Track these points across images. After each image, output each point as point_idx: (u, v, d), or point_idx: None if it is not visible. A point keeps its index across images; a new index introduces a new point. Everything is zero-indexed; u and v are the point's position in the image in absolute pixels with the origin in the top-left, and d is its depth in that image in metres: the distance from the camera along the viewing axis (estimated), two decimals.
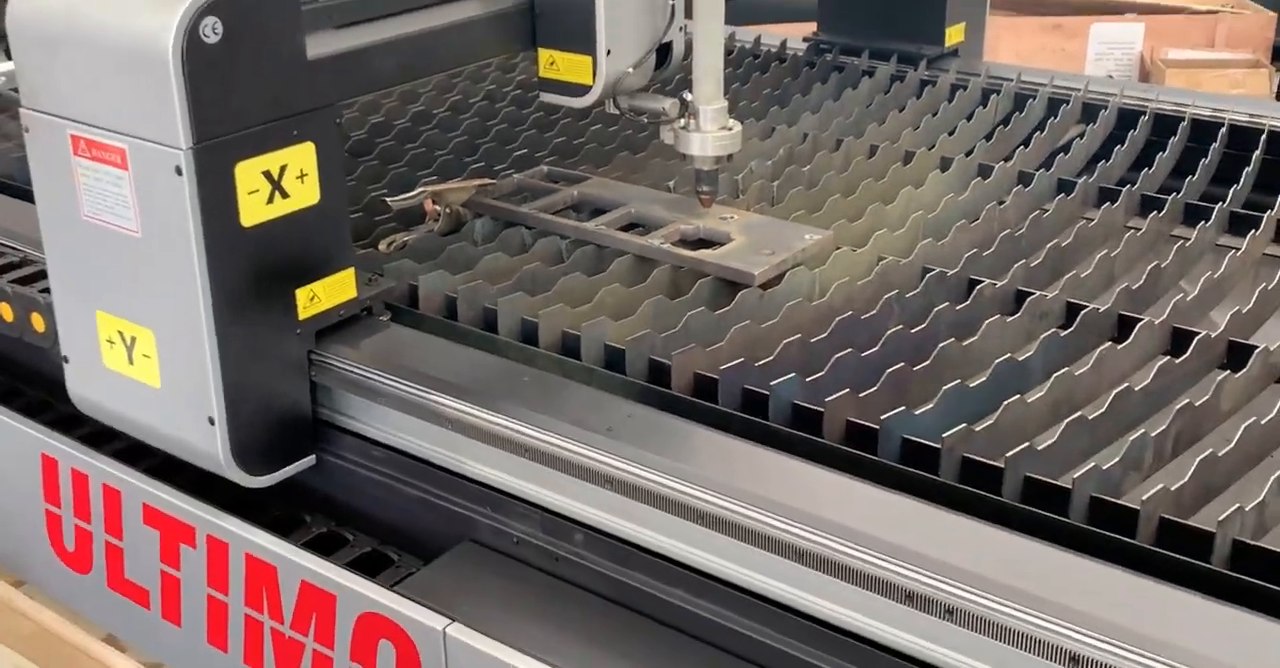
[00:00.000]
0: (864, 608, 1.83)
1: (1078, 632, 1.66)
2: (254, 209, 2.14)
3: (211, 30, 2.03)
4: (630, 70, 2.54)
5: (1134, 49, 6.25)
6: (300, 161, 2.19)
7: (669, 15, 2.58)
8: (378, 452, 2.32)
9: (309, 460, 2.35)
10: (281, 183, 2.17)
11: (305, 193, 2.21)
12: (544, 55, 2.56)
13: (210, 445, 2.21)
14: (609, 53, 2.49)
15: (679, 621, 2.03)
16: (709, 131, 2.58)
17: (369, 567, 2.30)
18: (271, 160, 2.15)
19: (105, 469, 2.49)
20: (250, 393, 2.21)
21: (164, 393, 2.24)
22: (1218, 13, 6.35)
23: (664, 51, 2.62)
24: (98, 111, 2.14)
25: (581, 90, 2.54)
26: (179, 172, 2.05)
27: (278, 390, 2.27)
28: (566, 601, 2.11)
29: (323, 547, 2.35)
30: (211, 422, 2.18)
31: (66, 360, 2.38)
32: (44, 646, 2.84)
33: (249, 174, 2.12)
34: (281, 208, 2.18)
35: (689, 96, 2.59)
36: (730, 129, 2.60)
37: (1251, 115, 3.29)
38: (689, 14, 2.57)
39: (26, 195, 2.92)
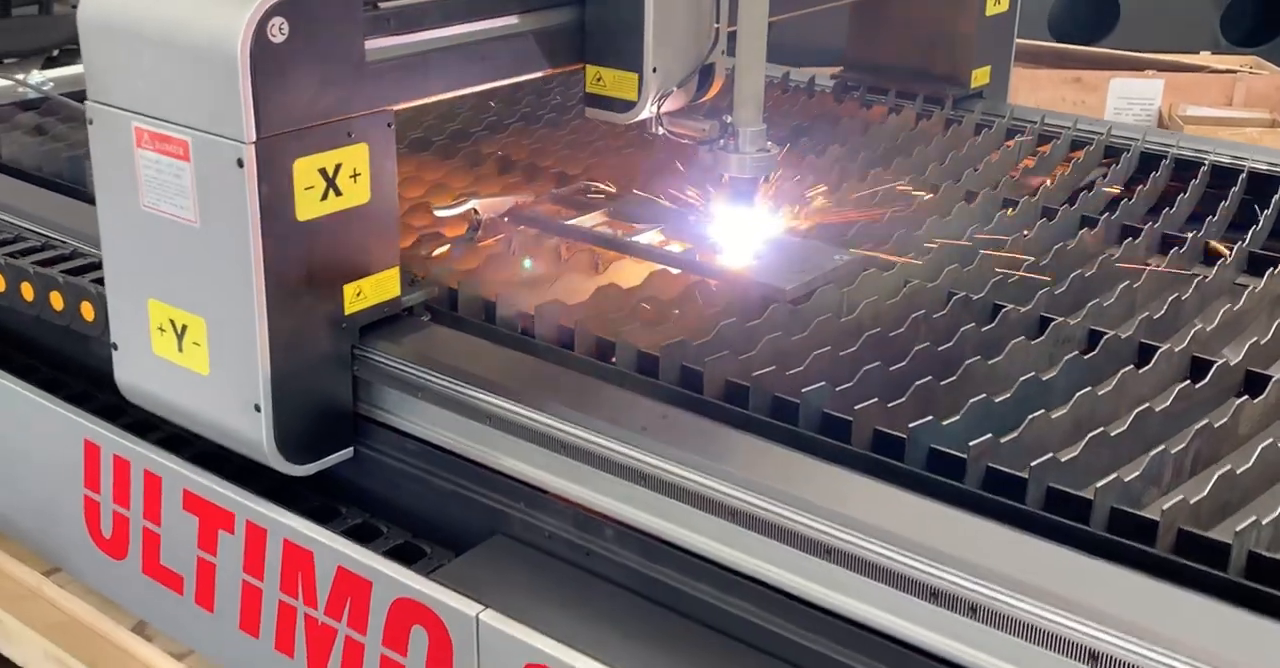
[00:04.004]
0: (889, 605, 1.90)
1: (1097, 629, 1.72)
2: (309, 204, 2.22)
3: (279, 30, 2.11)
4: (675, 89, 2.61)
5: (1153, 104, 6.34)
6: (354, 161, 2.27)
7: (713, 38, 2.66)
8: (414, 446, 2.39)
9: (347, 452, 2.42)
10: (336, 181, 2.24)
11: (357, 192, 2.28)
12: (591, 71, 2.64)
13: (254, 432, 2.28)
14: (655, 70, 2.57)
15: (706, 615, 2.09)
16: (747, 153, 2.66)
17: (402, 558, 2.35)
18: (327, 158, 2.23)
19: (147, 455, 2.55)
20: (295, 383, 2.28)
21: (211, 380, 2.31)
22: (1236, 72, 6.45)
23: (706, 75, 2.70)
24: (163, 105, 2.22)
25: (626, 106, 2.61)
26: (240, 164, 2.12)
27: (321, 382, 2.34)
28: (596, 593, 2.18)
29: (357, 538, 2.40)
30: (257, 409, 2.25)
31: (115, 347, 2.45)
32: (72, 634, 2.90)
33: (306, 170, 2.20)
34: (334, 205, 2.26)
35: (729, 119, 2.66)
36: (768, 151, 2.67)
37: (1270, 163, 3.36)
38: (731, 41, 2.65)
39: (75, 193, 3.03)
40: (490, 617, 2.10)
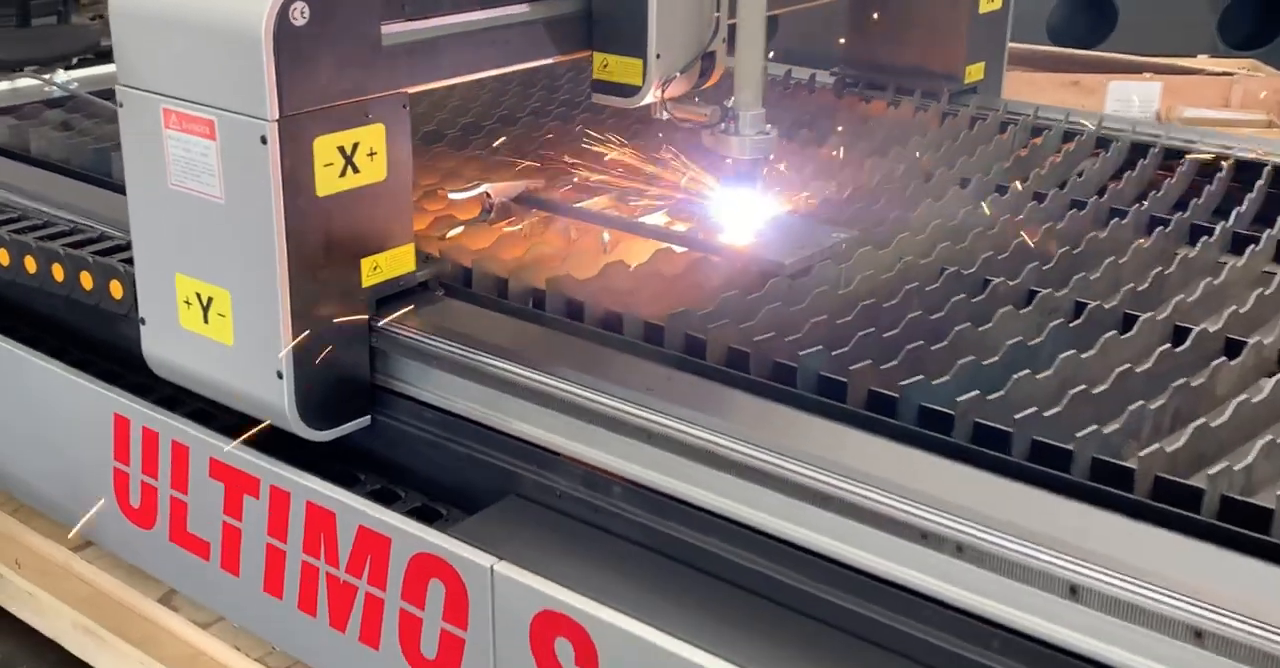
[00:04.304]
0: (882, 549, 2.01)
1: (1077, 563, 1.83)
2: (328, 181, 2.33)
3: (300, 14, 2.23)
4: (677, 74, 2.73)
5: (1151, 107, 6.42)
6: (371, 141, 2.38)
7: (714, 27, 2.78)
8: (429, 413, 2.50)
9: (365, 420, 2.53)
10: (353, 159, 2.36)
11: (374, 170, 2.40)
12: (598, 59, 2.77)
13: (277, 398, 2.39)
14: (658, 57, 2.69)
15: (709, 564, 2.20)
16: (747, 135, 2.77)
17: (419, 520, 2.46)
18: (346, 137, 2.34)
19: (176, 426, 2.67)
20: (316, 351, 2.40)
21: (236, 349, 2.42)
22: (1233, 74, 6.53)
23: (708, 62, 2.82)
24: (190, 87, 2.34)
25: (631, 91, 2.74)
26: (264, 141, 2.24)
27: (341, 351, 2.45)
28: (605, 546, 2.29)
29: (377, 502, 2.51)
30: (280, 375, 2.37)
31: (144, 322, 2.57)
32: (100, 606, 3.02)
33: (325, 148, 2.31)
34: (352, 181, 2.37)
35: (730, 103, 2.78)
36: (767, 133, 2.79)
37: (1257, 153, 3.46)
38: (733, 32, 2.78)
39: (101, 183, 3.15)
40: (504, 568, 2.20)
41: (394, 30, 2.43)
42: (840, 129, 3.66)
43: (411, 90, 2.46)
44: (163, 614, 2.94)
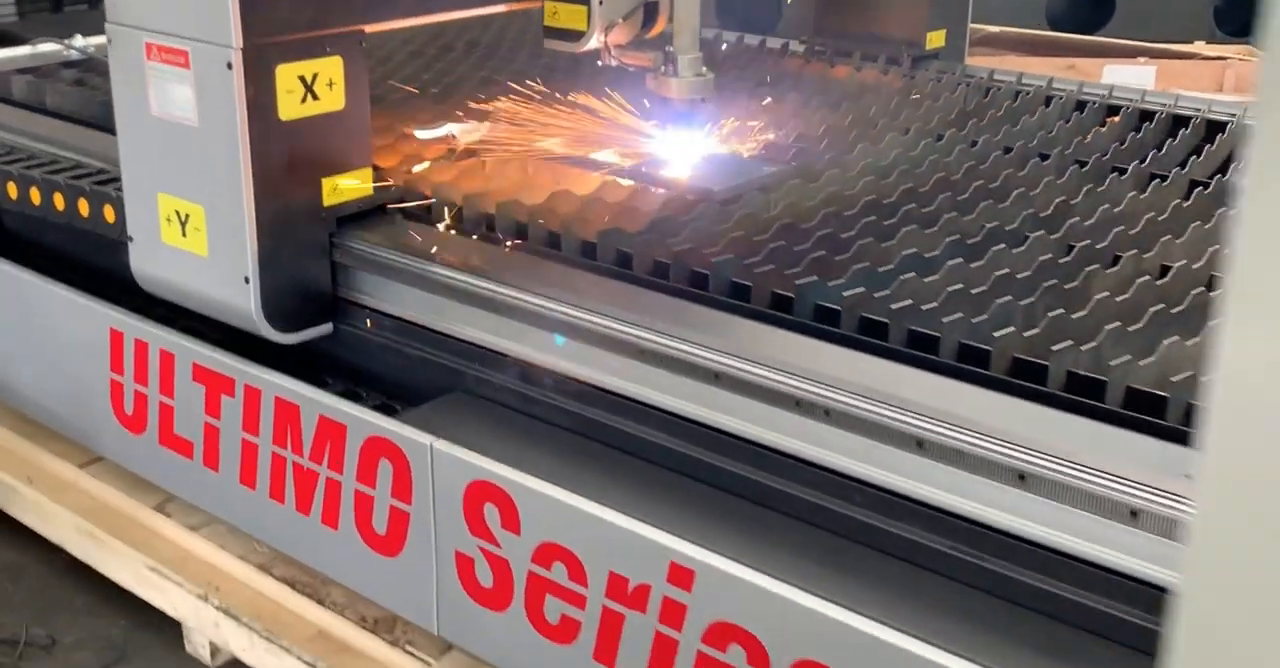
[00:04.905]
0: (762, 419, 2.26)
1: (922, 420, 2.08)
2: (290, 106, 2.61)
3: None
4: (620, 20, 2.99)
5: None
6: (330, 72, 2.66)
7: None
8: (387, 321, 2.77)
9: (327, 328, 2.80)
10: (314, 87, 2.64)
11: (333, 99, 2.68)
12: (549, 7, 3.03)
13: (245, 302, 2.67)
14: (601, 3, 2.95)
15: (623, 443, 2.46)
16: (685, 77, 3.03)
17: None
18: (306, 67, 2.62)
19: (163, 336, 2.95)
20: (280, 259, 2.68)
21: (210, 260, 2.70)
22: (1227, 59, 6.72)
23: (651, 12, 3.07)
24: (167, 21, 2.62)
25: (577, 36, 2.99)
26: (229, 66, 2.51)
27: (303, 262, 2.73)
28: (534, 430, 2.56)
29: None
30: (247, 280, 2.64)
31: (131, 240, 2.85)
32: (101, 515, 3.29)
33: (287, 76, 2.59)
34: (313, 108, 2.65)
35: (670, 48, 3.03)
36: (704, 75, 3.04)
37: (1194, 108, 3.68)
38: None
39: (107, 129, 3.43)
40: (442, 445, 2.47)
41: None
42: (800, 88, 3.90)
43: (369, 29, 2.72)
44: (157, 520, 3.21)
